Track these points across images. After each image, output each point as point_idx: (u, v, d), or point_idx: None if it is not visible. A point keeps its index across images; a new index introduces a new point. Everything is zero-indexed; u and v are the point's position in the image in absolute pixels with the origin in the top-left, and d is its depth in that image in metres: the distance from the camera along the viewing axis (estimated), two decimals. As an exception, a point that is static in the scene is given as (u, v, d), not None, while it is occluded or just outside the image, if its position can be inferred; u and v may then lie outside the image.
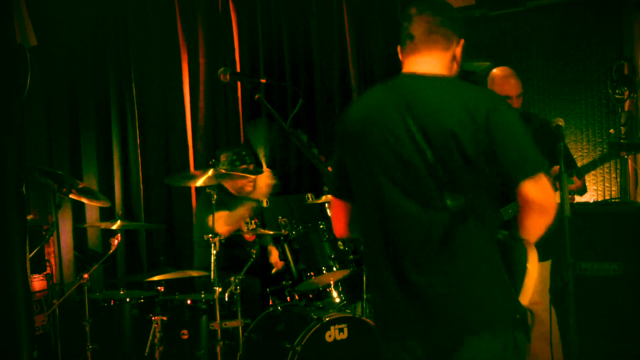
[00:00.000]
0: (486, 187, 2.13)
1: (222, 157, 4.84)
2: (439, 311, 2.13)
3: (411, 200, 2.14)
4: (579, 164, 3.92)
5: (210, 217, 4.16)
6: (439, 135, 2.09)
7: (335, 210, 2.43)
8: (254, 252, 4.29)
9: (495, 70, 4.02)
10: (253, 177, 4.79)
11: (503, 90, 3.93)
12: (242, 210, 4.52)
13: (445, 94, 2.14)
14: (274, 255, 4.86)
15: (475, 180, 2.10)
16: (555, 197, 2.09)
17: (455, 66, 2.29)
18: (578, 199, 5.65)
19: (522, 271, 2.16)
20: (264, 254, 4.98)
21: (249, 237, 4.78)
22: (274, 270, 4.84)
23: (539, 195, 2.05)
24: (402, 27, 2.28)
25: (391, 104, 2.18)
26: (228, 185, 4.87)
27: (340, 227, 2.44)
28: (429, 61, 2.25)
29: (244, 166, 4.77)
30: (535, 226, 2.11)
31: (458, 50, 2.28)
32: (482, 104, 2.08)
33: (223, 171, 4.31)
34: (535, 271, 2.15)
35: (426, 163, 2.11)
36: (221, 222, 4.49)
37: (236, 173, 4.60)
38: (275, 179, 4.78)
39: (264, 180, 4.77)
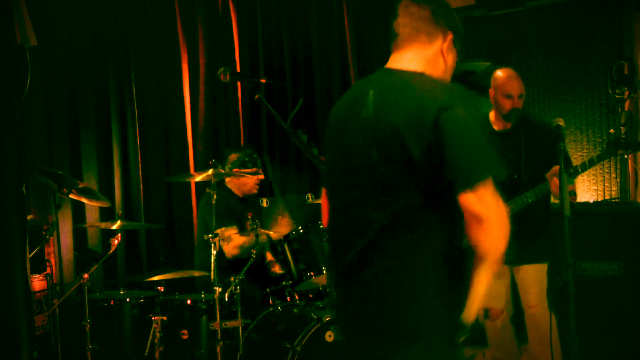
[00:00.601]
0: (430, 192, 1.99)
1: (232, 157, 4.84)
2: (362, 318, 2.08)
3: (354, 202, 2.11)
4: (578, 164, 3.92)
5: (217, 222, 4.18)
6: (386, 134, 2.02)
7: (322, 199, 2.46)
8: (254, 252, 4.29)
9: (498, 71, 4.05)
10: (261, 178, 4.84)
11: (505, 90, 3.95)
12: (255, 238, 4.50)
13: (404, 91, 2.06)
14: (276, 267, 4.88)
15: (417, 184, 1.99)
16: (500, 209, 1.94)
17: (443, 62, 2.21)
18: (578, 198, 5.66)
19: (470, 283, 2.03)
20: (263, 255, 4.98)
21: (276, 269, 4.83)
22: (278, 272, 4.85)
23: (477, 207, 1.92)
24: (390, 24, 2.25)
25: (358, 100, 2.15)
26: (234, 186, 4.87)
27: (323, 217, 2.45)
28: (408, 57, 2.19)
29: (254, 169, 4.80)
30: (479, 239, 1.95)
31: (445, 45, 2.20)
32: (436, 102, 1.97)
33: (223, 171, 4.31)
34: (482, 285, 1.99)
35: (370, 163, 2.05)
36: (233, 245, 4.54)
37: (240, 172, 4.64)
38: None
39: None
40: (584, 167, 3.84)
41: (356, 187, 2.11)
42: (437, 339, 2.01)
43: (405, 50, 2.20)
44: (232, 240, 4.54)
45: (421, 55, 2.18)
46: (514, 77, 3.99)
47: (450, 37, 2.20)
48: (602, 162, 6.01)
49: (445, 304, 2.01)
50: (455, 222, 1.99)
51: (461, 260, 2.02)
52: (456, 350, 2.04)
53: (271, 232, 4.54)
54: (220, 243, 4.54)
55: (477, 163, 1.93)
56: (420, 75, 2.13)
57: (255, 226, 4.35)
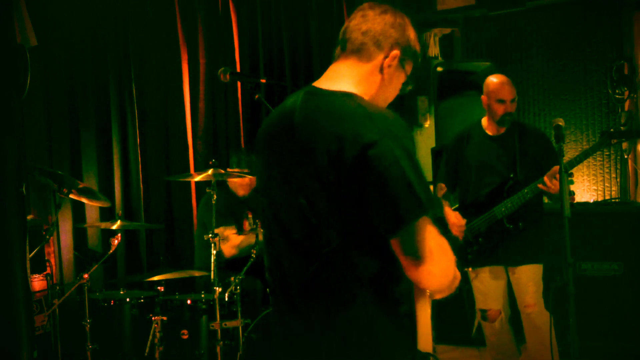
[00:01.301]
0: (357, 233, 1.80)
1: (233, 159, 4.92)
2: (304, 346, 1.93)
3: (285, 237, 1.92)
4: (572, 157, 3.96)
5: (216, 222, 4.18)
6: (308, 172, 1.83)
7: None
8: (254, 252, 4.29)
9: (490, 77, 4.13)
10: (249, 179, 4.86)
11: (498, 95, 4.04)
12: (254, 237, 4.52)
13: (327, 120, 1.83)
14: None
15: (351, 226, 1.80)
16: (438, 247, 1.77)
17: (380, 79, 1.98)
18: (578, 199, 5.66)
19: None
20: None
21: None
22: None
23: (411, 251, 1.75)
24: (341, 27, 2.10)
25: (284, 123, 1.93)
26: (235, 186, 4.87)
27: None
28: (342, 73, 2.00)
29: (246, 170, 4.82)
30: (418, 280, 1.79)
31: (386, 62, 1.96)
32: (360, 138, 1.74)
33: (223, 171, 4.32)
34: (424, 317, 1.87)
35: (299, 203, 1.86)
36: (231, 244, 4.55)
37: (242, 172, 4.66)
38: None
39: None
40: (579, 160, 3.86)
41: (288, 223, 1.91)
42: None
43: (340, 63, 2.02)
44: (229, 240, 4.55)
45: (354, 71, 1.98)
46: (506, 82, 4.07)
47: (395, 54, 1.96)
48: (602, 163, 6.03)
49: (398, 340, 1.85)
50: (390, 261, 1.81)
51: (402, 293, 1.86)
52: None
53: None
54: (222, 245, 4.57)
55: (407, 203, 1.73)
56: (350, 99, 1.87)
57: (255, 226, 4.35)
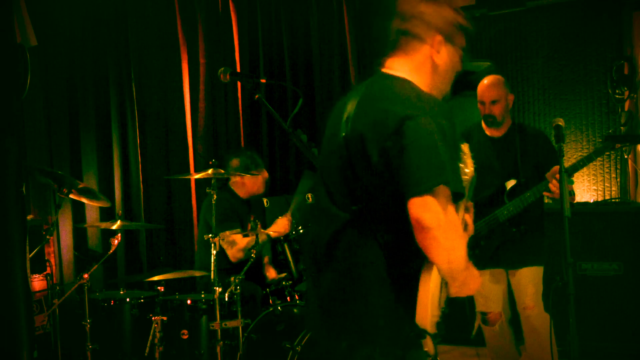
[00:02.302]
0: (387, 199, 2.02)
1: (234, 163, 4.79)
2: (323, 316, 2.15)
3: (328, 201, 2.15)
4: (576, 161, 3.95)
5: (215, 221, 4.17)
6: (354, 136, 2.07)
7: None
8: (254, 252, 4.29)
9: (484, 77, 4.12)
10: (265, 176, 4.83)
11: (479, 97, 4.10)
12: (264, 236, 4.49)
13: (378, 97, 2.10)
14: (271, 271, 4.87)
15: (379, 189, 2.03)
16: (448, 219, 1.91)
17: (431, 66, 2.19)
18: (578, 198, 5.66)
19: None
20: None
21: (271, 274, 4.82)
22: (269, 279, 4.84)
23: (421, 214, 1.90)
24: (386, 27, 2.27)
25: (347, 102, 2.19)
26: (238, 188, 4.85)
27: None
28: (397, 63, 2.21)
29: (258, 170, 4.78)
30: (424, 246, 1.93)
31: (434, 49, 2.18)
32: (403, 110, 1.99)
33: (223, 171, 4.31)
34: (426, 293, 2.00)
35: (340, 163, 2.11)
36: (237, 249, 4.53)
37: (241, 175, 4.64)
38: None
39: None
40: (582, 164, 3.86)
41: (330, 185, 2.16)
42: (392, 345, 2.04)
43: (396, 55, 2.21)
44: (236, 244, 4.52)
45: (408, 62, 2.19)
46: (490, 84, 4.06)
47: (437, 39, 2.17)
48: (602, 163, 6.03)
49: (396, 311, 2.03)
50: (405, 235, 1.97)
51: (413, 268, 2.03)
52: (414, 351, 2.06)
53: (271, 232, 4.53)
54: (224, 246, 4.53)
55: (428, 171, 1.91)
56: (403, 82, 2.13)
57: (255, 226, 4.34)
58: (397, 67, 2.19)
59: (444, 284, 2.10)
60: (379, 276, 2.03)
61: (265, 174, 4.87)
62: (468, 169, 2.45)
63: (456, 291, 2.08)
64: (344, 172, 2.09)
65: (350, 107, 2.15)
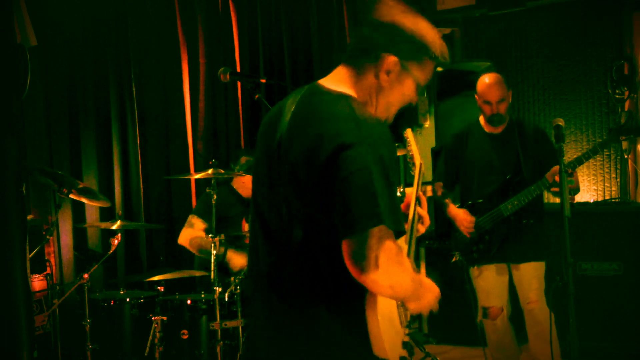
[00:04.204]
0: (328, 230, 1.80)
1: (242, 160, 4.80)
2: (270, 353, 1.97)
3: (263, 231, 1.97)
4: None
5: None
6: (287, 163, 1.86)
7: None
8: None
9: (482, 76, 4.14)
10: None
11: (484, 97, 4.06)
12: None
13: (311, 115, 1.86)
14: (234, 260, 4.80)
15: (314, 220, 1.83)
16: (387, 263, 1.74)
17: (376, 85, 1.94)
18: (578, 198, 5.66)
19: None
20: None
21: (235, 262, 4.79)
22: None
23: (355, 258, 1.73)
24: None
25: (280, 116, 1.96)
26: (239, 187, 4.86)
27: None
28: (341, 75, 1.98)
29: None
30: (368, 287, 1.79)
31: (384, 68, 1.91)
32: (335, 135, 1.76)
33: (223, 171, 4.31)
34: (376, 323, 1.85)
35: (276, 194, 1.90)
36: (187, 235, 4.57)
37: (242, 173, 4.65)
38: None
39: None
40: (589, 156, 3.89)
41: (265, 213, 1.96)
42: None
43: (343, 66, 2.00)
44: (191, 229, 4.56)
45: (353, 76, 1.96)
46: (494, 83, 4.06)
47: (392, 59, 1.90)
48: (602, 163, 6.03)
49: (348, 342, 1.87)
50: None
51: (357, 298, 1.86)
52: None
53: (235, 258, 4.48)
54: (185, 227, 4.58)
55: (362, 211, 1.71)
56: (341, 100, 1.87)
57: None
58: (341, 78, 1.97)
59: (401, 303, 2.00)
60: (329, 311, 1.86)
61: None
62: (416, 159, 2.31)
63: (414, 307, 1.97)
64: (279, 201, 1.89)
65: (282, 126, 1.92)
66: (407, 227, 2.15)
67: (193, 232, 4.58)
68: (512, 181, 4.05)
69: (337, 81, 1.98)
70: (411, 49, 1.92)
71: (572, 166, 3.87)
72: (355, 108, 1.84)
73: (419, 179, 2.26)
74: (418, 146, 2.36)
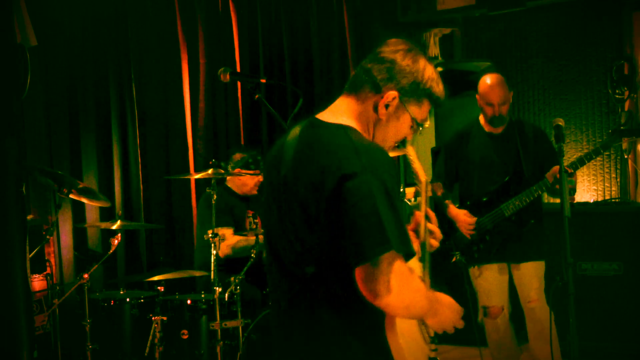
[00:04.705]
0: (339, 261, 1.84)
1: (236, 156, 4.83)
2: None
3: (277, 265, 2.00)
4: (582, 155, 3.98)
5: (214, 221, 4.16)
6: (293, 200, 1.90)
7: None
8: (254, 252, 4.29)
9: (484, 77, 4.12)
10: (259, 180, 4.82)
11: (486, 98, 4.05)
12: (252, 239, 4.48)
13: (316, 150, 1.90)
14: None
15: (325, 253, 1.86)
16: (400, 287, 1.78)
17: (376, 120, 1.98)
18: (578, 198, 5.67)
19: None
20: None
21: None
22: None
23: (368, 285, 1.78)
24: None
25: (281, 155, 2.00)
26: (234, 185, 4.86)
27: None
28: (341, 106, 2.03)
29: (256, 171, 4.78)
30: (383, 309, 1.83)
31: (383, 101, 1.96)
32: (341, 168, 1.80)
33: (223, 171, 4.32)
34: (396, 341, 1.89)
35: (286, 229, 1.93)
36: (226, 245, 4.53)
37: (241, 172, 4.64)
38: None
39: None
40: (590, 157, 3.88)
41: (278, 247, 1.99)
42: None
43: (344, 96, 2.05)
44: (224, 240, 4.53)
45: (354, 107, 2.00)
46: (496, 85, 4.05)
47: (392, 94, 1.95)
48: (602, 163, 6.03)
49: None
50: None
51: (376, 322, 1.90)
52: None
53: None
54: (219, 244, 4.54)
55: (370, 239, 1.76)
56: (340, 130, 1.92)
57: (254, 226, 4.34)
58: (341, 110, 2.01)
59: (421, 321, 2.03)
60: (346, 339, 1.89)
61: (262, 178, 4.86)
62: (421, 176, 2.33)
63: (433, 323, 2.00)
64: (289, 235, 1.92)
65: (286, 163, 1.96)
66: (418, 244, 2.16)
67: (230, 241, 4.57)
68: (513, 181, 4.05)
69: (336, 113, 2.02)
70: (412, 87, 1.99)
71: (574, 167, 3.87)
72: (355, 137, 1.88)
73: (425, 195, 2.27)
74: (417, 151, 2.37)
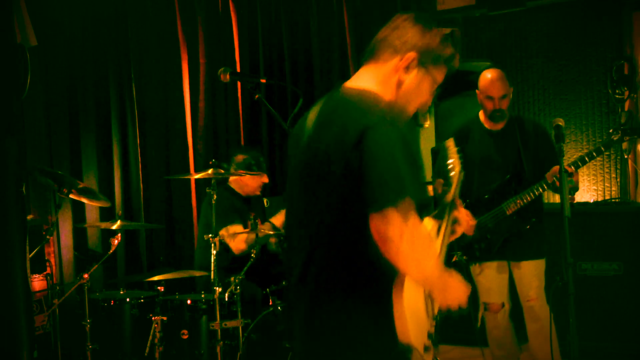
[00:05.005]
0: (353, 212, 1.94)
1: (238, 158, 4.82)
2: (304, 337, 2.12)
3: (297, 221, 2.11)
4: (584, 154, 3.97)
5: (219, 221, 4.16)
6: (318, 151, 2.01)
7: None
8: (254, 252, 4.29)
9: (484, 72, 4.13)
10: (265, 181, 4.81)
11: (487, 92, 4.06)
12: (264, 231, 4.48)
13: (338, 109, 2.04)
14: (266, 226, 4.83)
15: (345, 205, 1.96)
16: (411, 234, 1.85)
17: (396, 81, 2.10)
18: (578, 198, 5.66)
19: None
20: (263, 253, 4.98)
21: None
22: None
23: (382, 229, 1.85)
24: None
25: (306, 121, 2.14)
26: (237, 186, 4.86)
27: None
28: (364, 74, 2.15)
29: (259, 172, 4.77)
30: (392, 259, 1.88)
31: (401, 64, 2.08)
32: (362, 121, 1.92)
33: (223, 171, 4.31)
34: (401, 307, 1.95)
35: (307, 184, 2.05)
36: (240, 240, 4.53)
37: (244, 173, 4.64)
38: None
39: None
40: (592, 157, 3.88)
41: (298, 204, 2.11)
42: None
43: (365, 65, 2.16)
44: (237, 236, 4.53)
45: (376, 73, 2.12)
46: (496, 79, 4.06)
47: (409, 56, 2.08)
48: (602, 163, 6.03)
49: (372, 325, 1.98)
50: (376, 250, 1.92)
51: (384, 282, 1.97)
52: None
53: (274, 222, 4.53)
54: (227, 240, 4.54)
55: (388, 185, 1.86)
56: (362, 92, 2.06)
57: (255, 225, 4.34)
58: (364, 77, 2.14)
59: (429, 294, 2.07)
60: (350, 293, 1.98)
61: (265, 179, 4.86)
62: (455, 166, 2.40)
63: (441, 300, 2.03)
64: (310, 190, 2.04)
65: (310, 124, 2.10)
66: (442, 231, 2.25)
67: (243, 236, 4.57)
68: (514, 179, 4.05)
69: (359, 80, 2.14)
70: (429, 50, 2.10)
71: (576, 166, 3.87)
72: (376, 98, 2.02)
73: (457, 185, 2.37)
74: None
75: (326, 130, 2.01)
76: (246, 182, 4.81)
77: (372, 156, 1.88)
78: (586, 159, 3.89)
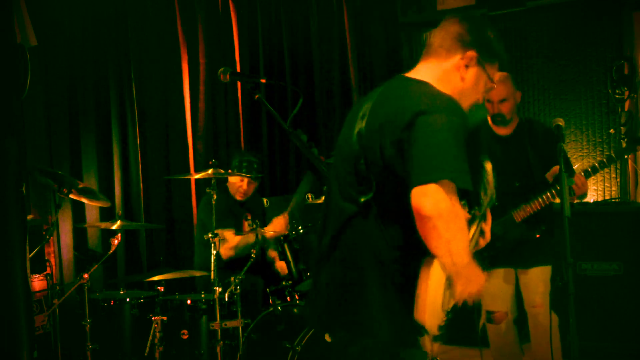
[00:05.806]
0: (398, 190, 2.04)
1: (234, 159, 4.83)
2: (323, 306, 2.20)
3: (338, 195, 2.21)
4: (580, 164, 3.92)
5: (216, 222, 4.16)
6: (368, 131, 2.12)
7: None
8: (254, 252, 4.29)
9: None
10: (244, 188, 4.79)
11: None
12: (252, 237, 4.49)
13: (393, 94, 2.16)
14: (279, 263, 4.86)
15: (388, 181, 2.08)
16: (450, 211, 1.94)
17: (459, 78, 2.23)
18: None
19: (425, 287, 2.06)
20: (264, 253, 4.98)
21: (280, 267, 4.81)
22: (282, 274, 4.83)
23: (422, 203, 1.93)
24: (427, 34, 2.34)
25: (364, 102, 2.25)
26: (232, 189, 4.86)
27: None
28: (424, 68, 2.26)
29: (247, 175, 4.75)
30: (425, 235, 1.96)
31: (462, 62, 2.22)
32: (417, 106, 2.04)
33: (222, 171, 4.31)
34: (426, 288, 2.01)
35: (354, 158, 2.15)
36: (227, 247, 4.54)
37: (227, 173, 4.63)
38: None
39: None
40: (602, 165, 3.82)
41: (340, 178, 2.21)
42: (384, 335, 2.08)
43: (424, 61, 2.27)
44: (226, 242, 4.54)
45: (435, 69, 2.23)
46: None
47: (470, 54, 2.21)
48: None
49: (393, 303, 2.07)
50: (412, 231, 2.00)
51: (413, 263, 2.04)
52: (410, 350, 2.10)
53: (269, 232, 4.52)
54: (220, 246, 4.54)
55: (434, 164, 1.95)
56: (420, 83, 2.17)
57: (254, 226, 4.34)
58: (423, 71, 2.24)
59: (449, 283, 2.08)
60: (378, 269, 2.07)
61: (244, 186, 4.79)
62: (489, 188, 2.43)
63: (461, 289, 2.06)
64: (355, 165, 2.13)
65: (367, 105, 2.20)
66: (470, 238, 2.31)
67: (231, 243, 4.58)
68: (523, 186, 3.94)
69: (418, 73, 2.25)
70: (490, 51, 2.26)
71: (587, 174, 3.80)
72: (431, 88, 2.13)
73: (489, 199, 2.42)
74: None
75: (381, 110, 2.11)
76: (233, 182, 4.79)
77: (422, 135, 1.97)
78: (598, 168, 3.80)
